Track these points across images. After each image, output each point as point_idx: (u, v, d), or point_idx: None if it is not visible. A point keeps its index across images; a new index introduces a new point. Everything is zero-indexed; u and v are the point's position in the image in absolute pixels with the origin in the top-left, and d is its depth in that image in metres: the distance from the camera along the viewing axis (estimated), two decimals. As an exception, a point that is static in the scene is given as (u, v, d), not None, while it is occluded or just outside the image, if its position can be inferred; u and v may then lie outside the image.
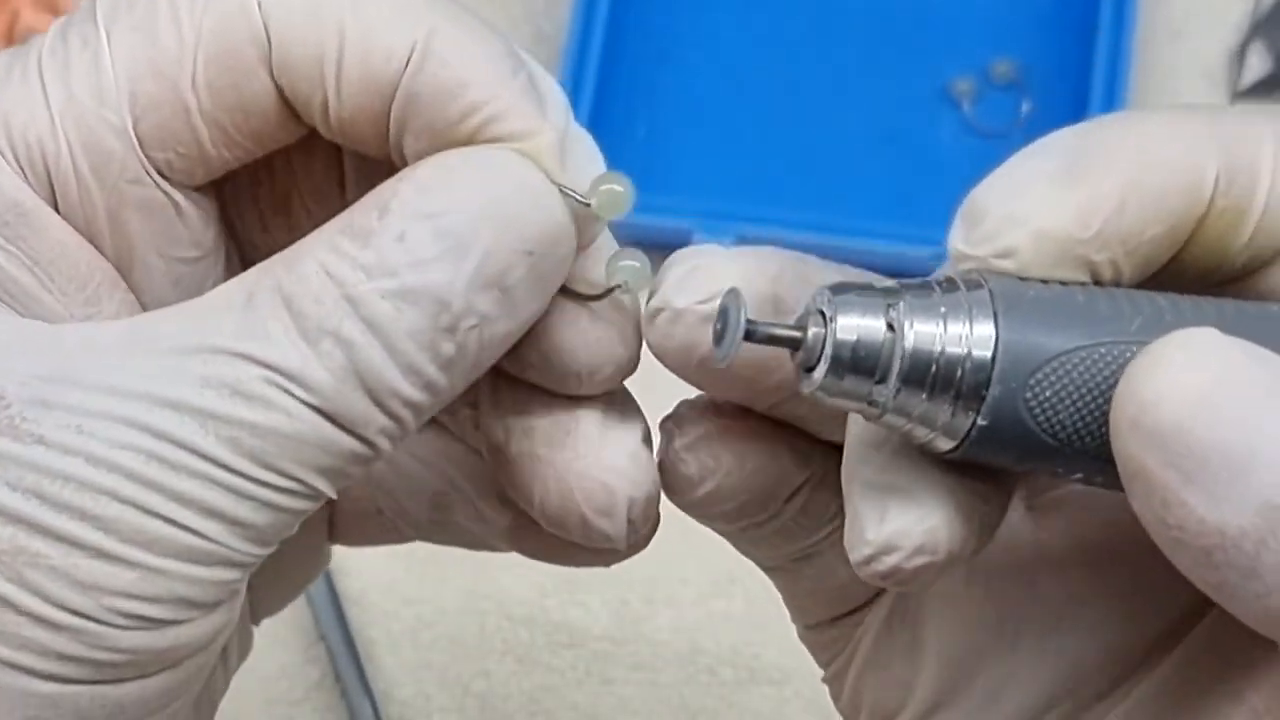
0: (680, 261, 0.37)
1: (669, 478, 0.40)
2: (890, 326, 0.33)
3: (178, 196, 0.36)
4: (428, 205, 0.34)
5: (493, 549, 0.45)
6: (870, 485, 0.35)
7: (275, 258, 0.34)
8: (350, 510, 0.45)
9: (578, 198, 0.36)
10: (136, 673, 0.33)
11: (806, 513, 0.41)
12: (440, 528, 0.45)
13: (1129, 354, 0.32)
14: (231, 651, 0.45)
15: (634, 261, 0.37)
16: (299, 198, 0.40)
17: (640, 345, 0.38)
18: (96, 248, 0.36)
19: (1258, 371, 0.30)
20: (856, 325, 0.33)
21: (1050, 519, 0.40)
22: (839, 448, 0.37)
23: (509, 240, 0.34)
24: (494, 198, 0.34)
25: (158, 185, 0.36)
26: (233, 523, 0.33)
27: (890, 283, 0.34)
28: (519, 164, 0.35)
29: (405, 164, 0.36)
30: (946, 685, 0.41)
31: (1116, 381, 0.31)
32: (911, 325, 0.33)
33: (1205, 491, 0.30)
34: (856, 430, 0.36)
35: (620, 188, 0.36)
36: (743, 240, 0.79)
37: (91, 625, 0.32)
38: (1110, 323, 0.33)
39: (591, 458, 0.37)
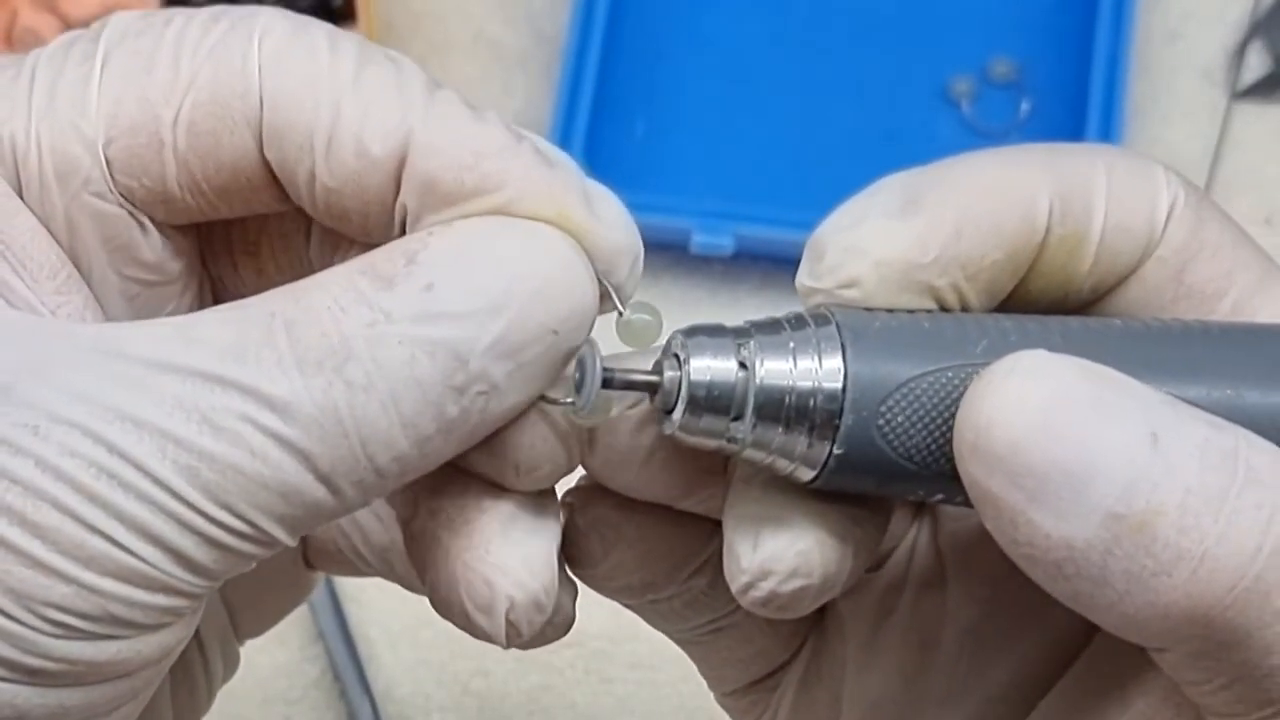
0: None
1: (572, 552, 0.40)
2: (742, 365, 0.34)
3: (144, 219, 0.36)
4: (461, 262, 0.33)
5: None
6: (743, 517, 0.35)
7: (278, 290, 0.33)
8: (318, 546, 0.45)
9: (617, 303, 0.35)
10: (74, 681, 0.32)
11: (714, 587, 0.41)
12: (392, 576, 0.45)
13: (974, 376, 0.33)
14: (215, 670, 0.45)
15: (585, 397, 0.35)
16: (268, 243, 0.39)
17: (578, 454, 0.37)
18: None
19: (1089, 386, 0.31)
20: (709, 366, 0.34)
21: (955, 558, 0.41)
22: None
23: (539, 314, 0.33)
24: (532, 268, 0.33)
25: (120, 203, 0.35)
26: (175, 553, 0.31)
27: (742, 323, 0.35)
28: (559, 240, 0.34)
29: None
30: None
31: None
32: (762, 362, 0.34)
33: (1049, 508, 0.30)
34: (735, 471, 0.37)
35: (650, 317, 0.36)
36: (741, 239, 0.80)
37: (24, 631, 0.31)
38: (955, 347, 0.34)
39: (482, 551, 0.36)
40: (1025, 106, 0.86)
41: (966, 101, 0.86)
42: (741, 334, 0.34)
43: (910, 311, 0.34)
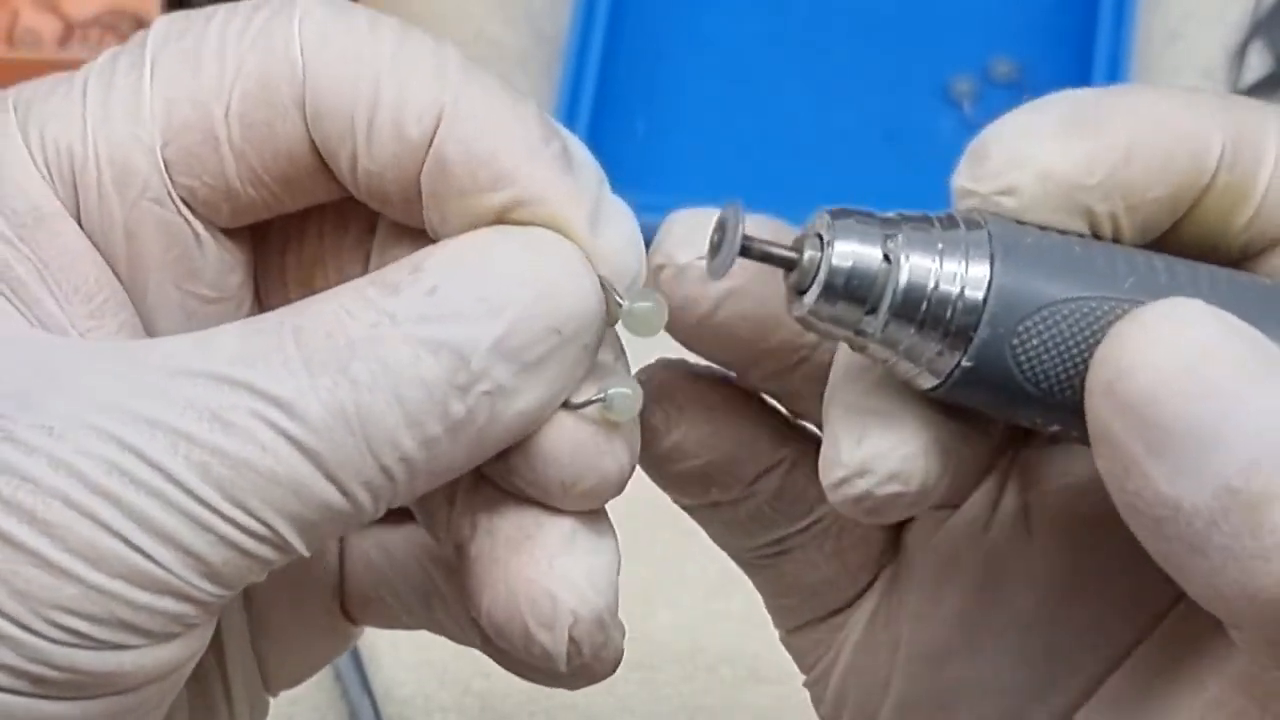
0: (682, 220, 0.37)
1: None
2: (886, 257, 0.33)
3: (200, 229, 0.36)
4: (464, 267, 0.33)
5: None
6: (851, 408, 0.35)
7: (292, 304, 0.34)
8: (357, 594, 0.44)
9: (617, 295, 0.35)
10: (75, 692, 0.32)
11: (781, 499, 0.41)
12: (433, 623, 0.44)
13: (1118, 312, 0.32)
14: (241, 716, 0.44)
15: (625, 389, 0.35)
16: (323, 271, 0.39)
17: (631, 467, 0.36)
18: (111, 265, 0.36)
19: (1238, 349, 0.30)
20: (853, 252, 0.33)
21: (1044, 517, 0.40)
22: (816, 438, 0.37)
23: (540, 314, 0.33)
24: (532, 270, 0.34)
25: (179, 211, 0.35)
26: (187, 553, 0.31)
27: (892, 214, 0.34)
28: (560, 244, 0.34)
29: (436, 238, 0.35)
30: (917, 683, 0.41)
31: (1101, 338, 0.32)
32: (908, 258, 0.32)
33: (1167, 465, 0.30)
34: (843, 358, 0.36)
35: (652, 303, 0.35)
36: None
37: (26, 636, 0.31)
38: (1104, 278, 0.33)
39: (545, 565, 0.35)
40: (1026, 106, 0.86)
41: (967, 101, 0.86)
42: (890, 224, 0.33)
43: (1063, 232, 0.34)
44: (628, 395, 0.35)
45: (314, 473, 0.32)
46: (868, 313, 0.33)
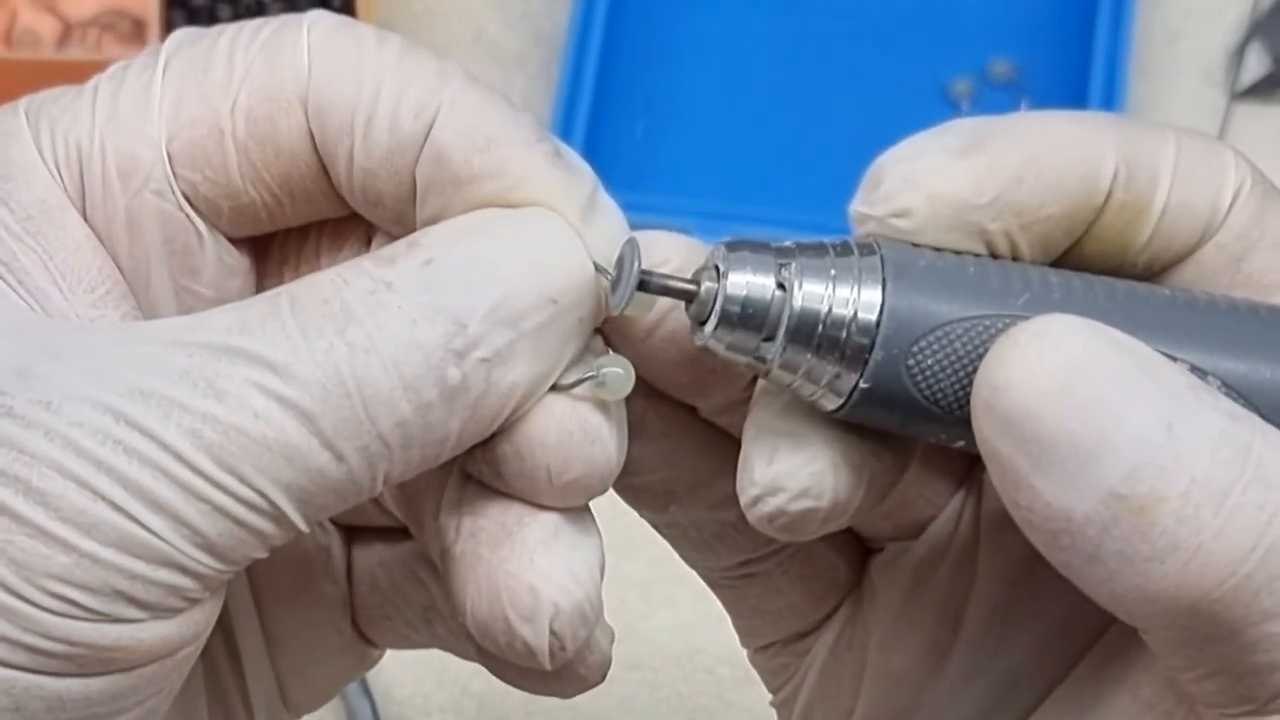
0: (650, 243, 0.38)
1: None
2: (781, 285, 0.33)
3: (201, 227, 0.36)
4: (460, 241, 0.34)
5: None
6: (763, 429, 0.35)
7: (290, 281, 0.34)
8: (366, 613, 0.45)
9: (607, 273, 0.35)
10: (75, 668, 0.32)
11: (746, 522, 0.40)
12: (435, 638, 0.44)
13: (1011, 329, 0.32)
14: None
15: (617, 367, 0.36)
16: None
17: (618, 462, 0.37)
18: (113, 257, 0.36)
19: (1115, 361, 0.31)
20: (747, 282, 0.33)
21: (989, 532, 0.40)
22: None
23: (535, 281, 0.34)
24: (527, 242, 0.34)
25: (180, 206, 0.36)
26: (180, 522, 0.31)
27: (788, 243, 0.34)
28: (554, 219, 0.35)
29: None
30: (881, 705, 0.41)
31: None
32: (801, 285, 0.33)
33: (1052, 478, 0.30)
34: (761, 384, 0.37)
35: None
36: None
37: (22, 605, 0.31)
38: (997, 296, 0.33)
39: (526, 560, 0.35)
40: (1025, 107, 0.86)
41: (966, 102, 0.86)
42: (785, 254, 0.34)
43: (958, 253, 0.34)
44: (620, 374, 0.36)
45: (308, 438, 0.32)
46: (765, 339, 0.34)
